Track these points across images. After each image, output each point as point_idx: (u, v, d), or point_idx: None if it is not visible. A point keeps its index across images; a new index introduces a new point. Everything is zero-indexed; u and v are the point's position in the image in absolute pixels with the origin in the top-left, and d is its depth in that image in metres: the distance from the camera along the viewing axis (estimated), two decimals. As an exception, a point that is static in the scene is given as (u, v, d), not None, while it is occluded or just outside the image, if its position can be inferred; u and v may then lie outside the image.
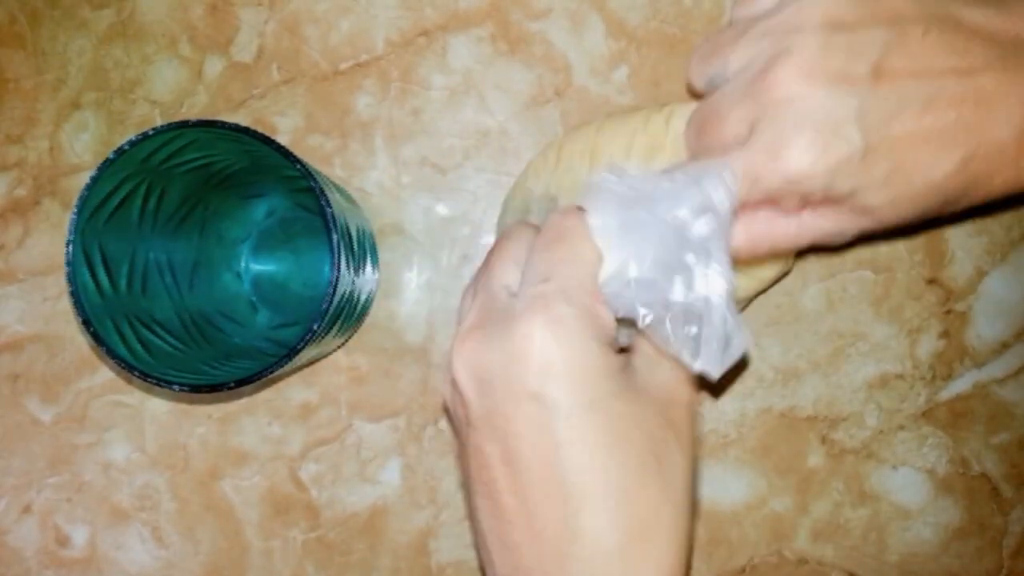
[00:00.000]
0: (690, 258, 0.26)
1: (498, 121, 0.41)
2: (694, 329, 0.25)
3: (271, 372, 0.30)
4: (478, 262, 0.41)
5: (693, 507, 0.27)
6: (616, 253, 0.27)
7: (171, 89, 0.42)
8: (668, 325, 0.25)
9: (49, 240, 0.42)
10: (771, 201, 0.27)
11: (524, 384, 0.25)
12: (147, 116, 0.42)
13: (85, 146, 0.42)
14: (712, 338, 0.25)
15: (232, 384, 0.30)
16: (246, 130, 0.29)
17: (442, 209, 0.42)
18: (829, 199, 0.27)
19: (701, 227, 0.26)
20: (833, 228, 0.28)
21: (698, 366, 0.25)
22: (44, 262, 0.42)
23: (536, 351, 0.25)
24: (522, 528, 0.25)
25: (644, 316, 0.26)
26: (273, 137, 0.41)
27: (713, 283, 0.25)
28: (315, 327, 0.29)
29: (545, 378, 0.25)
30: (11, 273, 0.42)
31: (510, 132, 0.41)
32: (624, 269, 0.26)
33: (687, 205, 0.26)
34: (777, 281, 0.37)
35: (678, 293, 0.25)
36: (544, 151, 0.37)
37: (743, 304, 0.39)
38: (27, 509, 0.42)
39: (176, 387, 0.30)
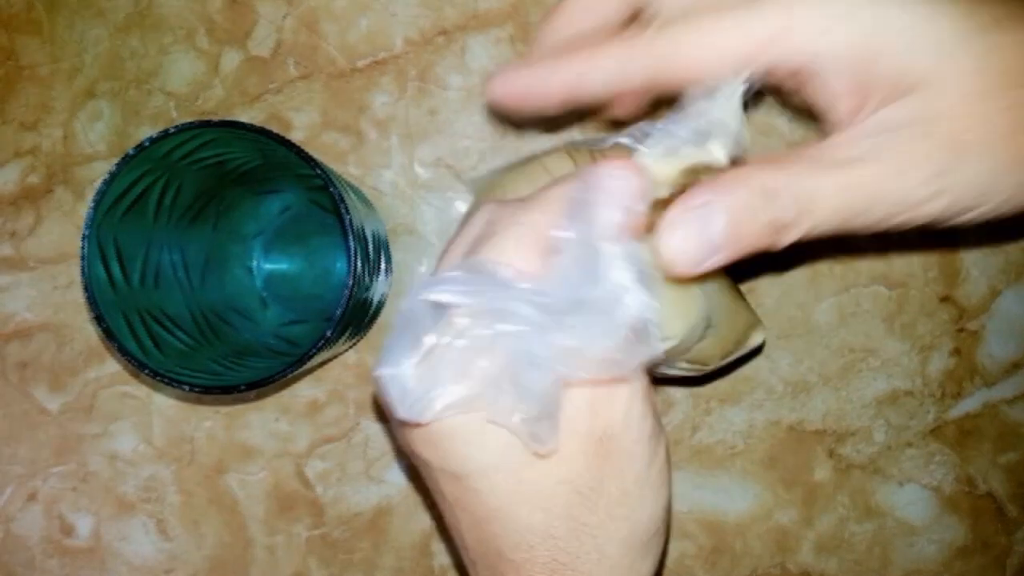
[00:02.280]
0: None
1: (514, 124, 0.41)
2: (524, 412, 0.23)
3: (281, 377, 0.29)
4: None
5: (655, 521, 0.27)
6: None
7: (187, 81, 0.42)
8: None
9: (61, 229, 0.42)
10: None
11: (442, 465, 0.25)
12: (162, 107, 0.42)
13: (99, 135, 0.42)
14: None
15: (243, 387, 0.30)
16: (267, 132, 0.29)
17: (456, 210, 0.41)
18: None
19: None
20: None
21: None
22: (55, 251, 0.42)
23: (445, 437, 0.24)
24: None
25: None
26: (288, 133, 0.41)
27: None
28: (328, 334, 0.29)
29: (456, 459, 0.25)
30: (22, 261, 0.42)
31: (526, 135, 0.41)
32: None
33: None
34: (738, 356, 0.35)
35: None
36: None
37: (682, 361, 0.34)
38: (32, 497, 0.42)
39: (186, 388, 0.30)
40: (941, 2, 0.24)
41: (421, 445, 0.25)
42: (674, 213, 0.24)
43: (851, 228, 0.25)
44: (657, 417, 0.27)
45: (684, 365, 0.33)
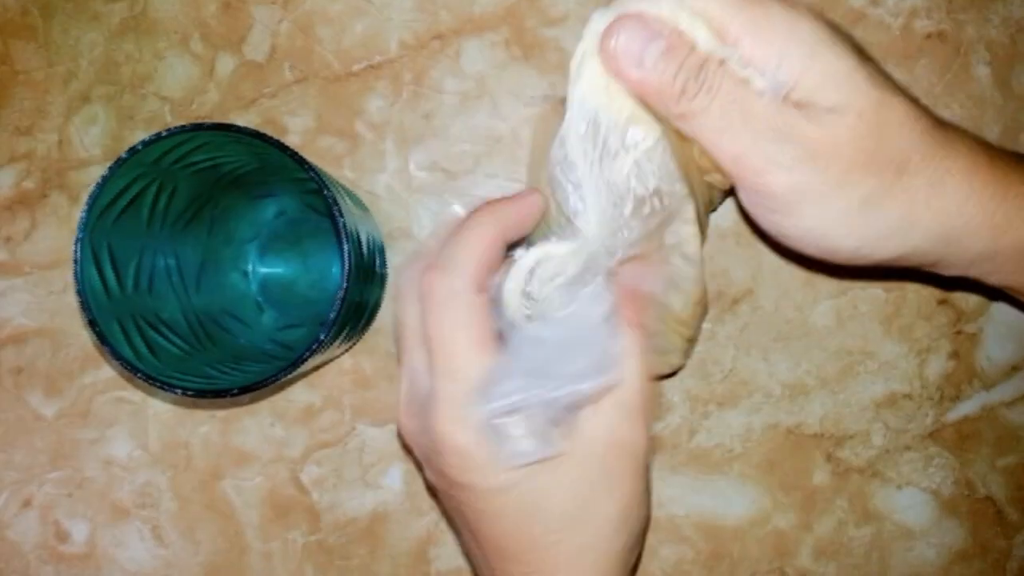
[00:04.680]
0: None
1: (510, 127, 0.41)
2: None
3: (275, 380, 0.29)
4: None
5: (632, 541, 0.31)
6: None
7: (182, 86, 0.41)
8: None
9: (56, 234, 0.42)
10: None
11: (447, 474, 0.29)
12: (157, 112, 0.42)
13: (94, 140, 0.42)
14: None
15: (236, 391, 0.29)
16: (261, 135, 0.29)
17: (452, 213, 0.41)
18: None
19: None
20: None
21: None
22: (50, 256, 0.42)
23: (449, 448, 0.28)
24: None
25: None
26: (284, 137, 0.41)
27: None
28: (322, 336, 0.29)
29: (461, 470, 0.28)
30: (17, 266, 0.42)
31: (522, 139, 0.41)
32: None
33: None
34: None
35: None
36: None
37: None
38: (27, 503, 0.42)
39: (179, 391, 0.30)
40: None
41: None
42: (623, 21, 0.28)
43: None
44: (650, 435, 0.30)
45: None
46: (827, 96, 0.26)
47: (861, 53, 0.28)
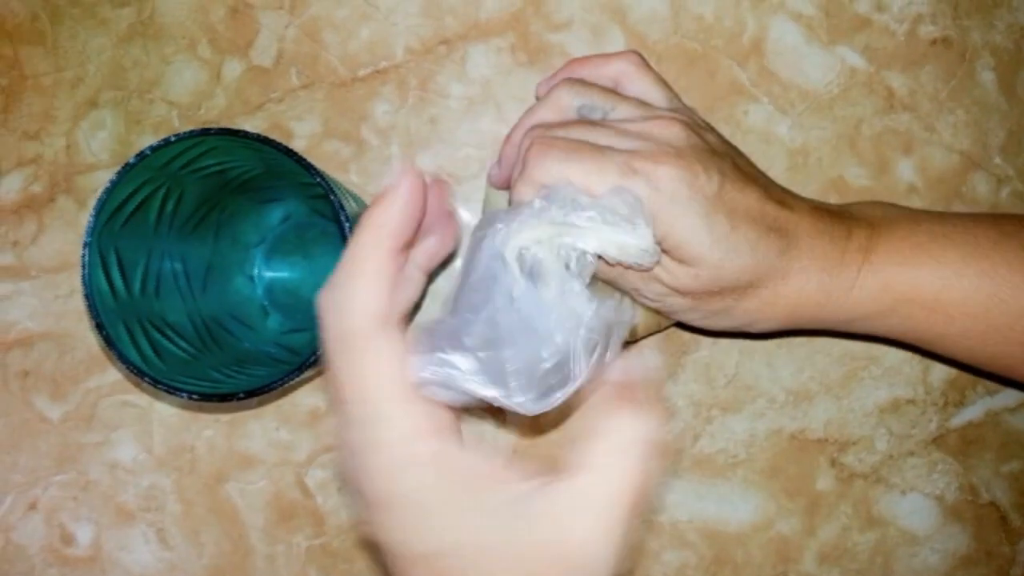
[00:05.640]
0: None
1: (516, 132, 0.41)
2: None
3: (282, 384, 0.29)
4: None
5: None
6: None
7: (189, 90, 0.42)
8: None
9: (63, 238, 0.42)
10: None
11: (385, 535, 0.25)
12: (164, 117, 0.42)
13: (102, 145, 0.42)
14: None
15: (242, 395, 0.30)
16: (268, 140, 0.29)
17: (457, 218, 0.41)
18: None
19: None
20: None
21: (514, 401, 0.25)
22: (57, 259, 0.42)
23: (384, 504, 0.25)
24: None
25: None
26: (290, 141, 0.41)
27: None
28: (329, 339, 0.29)
29: (394, 532, 0.25)
30: (24, 269, 0.42)
31: (527, 144, 0.41)
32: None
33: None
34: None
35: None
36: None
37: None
38: (33, 506, 0.42)
39: (185, 395, 0.30)
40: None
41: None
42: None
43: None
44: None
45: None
46: (683, 252, 0.31)
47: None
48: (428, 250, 0.29)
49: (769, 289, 0.32)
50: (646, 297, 0.33)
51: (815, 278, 0.32)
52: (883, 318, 0.33)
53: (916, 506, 0.41)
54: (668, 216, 0.30)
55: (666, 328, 0.39)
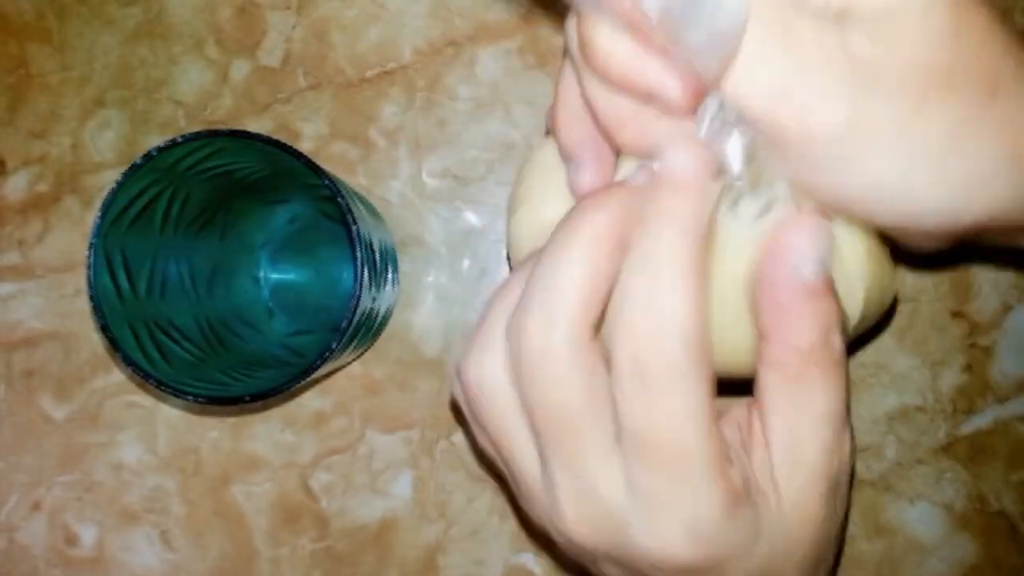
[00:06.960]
0: None
1: (523, 135, 0.41)
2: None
3: (287, 388, 0.29)
4: (498, 276, 0.41)
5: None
6: None
7: (196, 90, 0.42)
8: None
9: (68, 237, 0.42)
10: None
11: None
12: (171, 117, 0.42)
13: (108, 144, 0.42)
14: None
15: (247, 399, 0.29)
16: (275, 142, 0.29)
17: (463, 221, 0.41)
18: None
19: None
20: None
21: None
22: (63, 259, 0.42)
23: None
24: None
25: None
26: (297, 142, 0.41)
27: None
28: (334, 344, 0.29)
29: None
30: (29, 269, 0.42)
31: (534, 146, 0.41)
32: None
33: None
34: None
35: None
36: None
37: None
38: (37, 507, 0.42)
39: (191, 398, 0.30)
40: None
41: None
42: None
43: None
44: None
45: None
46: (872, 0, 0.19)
47: None
48: None
49: (1021, 104, 0.20)
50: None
51: None
52: None
53: (924, 515, 0.40)
54: None
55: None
